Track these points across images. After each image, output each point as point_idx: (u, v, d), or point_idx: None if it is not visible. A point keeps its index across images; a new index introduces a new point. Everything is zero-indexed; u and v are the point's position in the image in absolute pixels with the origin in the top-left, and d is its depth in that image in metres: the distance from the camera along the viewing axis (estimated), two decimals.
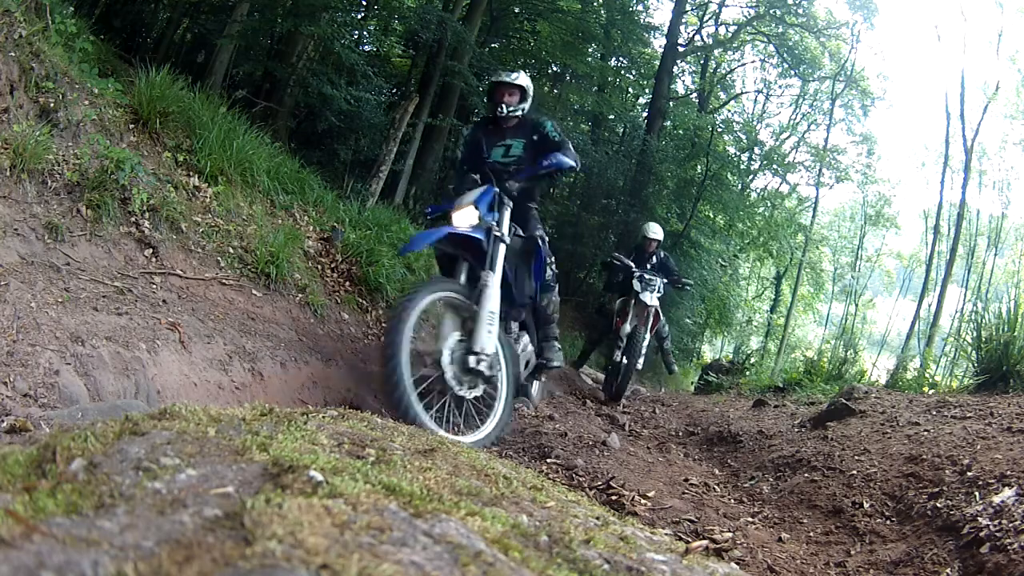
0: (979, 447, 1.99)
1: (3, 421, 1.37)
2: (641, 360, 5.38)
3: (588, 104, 12.33)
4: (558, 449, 2.56)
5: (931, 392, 3.85)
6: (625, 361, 5.07)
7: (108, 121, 3.08)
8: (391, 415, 2.03)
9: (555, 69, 12.50)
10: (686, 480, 2.52)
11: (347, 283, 4.07)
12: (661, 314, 5.81)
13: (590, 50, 12.28)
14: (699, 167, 12.74)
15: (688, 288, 5.96)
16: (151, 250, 2.81)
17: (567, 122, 11.80)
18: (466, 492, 0.80)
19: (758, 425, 3.58)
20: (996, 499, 1.57)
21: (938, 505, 1.72)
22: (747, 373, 8.14)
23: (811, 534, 1.88)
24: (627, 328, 5.30)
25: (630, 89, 14.61)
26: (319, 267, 3.98)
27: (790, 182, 16.85)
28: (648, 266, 5.67)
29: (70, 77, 2.93)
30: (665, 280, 5.50)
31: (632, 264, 5.52)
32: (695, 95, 15.19)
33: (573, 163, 3.12)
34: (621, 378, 5.05)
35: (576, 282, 11.79)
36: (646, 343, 5.26)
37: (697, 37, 14.72)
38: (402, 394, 2.22)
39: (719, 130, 13.34)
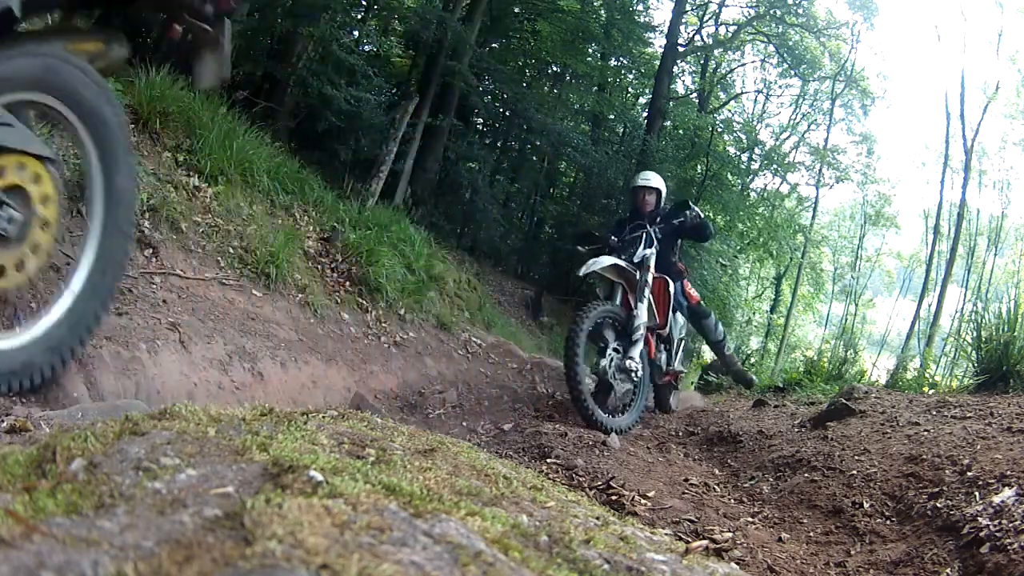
0: (979, 447, 1.99)
1: (3, 421, 1.37)
2: (638, 373, 3.41)
3: (588, 104, 12.33)
4: (558, 449, 2.55)
5: (931, 392, 3.85)
6: (609, 368, 3.34)
7: None
8: None
9: (555, 69, 12.49)
10: (686, 480, 2.52)
11: (347, 283, 4.07)
12: (685, 290, 4.11)
13: (590, 50, 12.28)
14: (699, 167, 12.75)
15: (698, 219, 3.90)
16: (151, 250, 2.81)
17: (567, 122, 11.81)
18: (466, 492, 0.80)
19: (758, 425, 3.57)
20: (996, 499, 1.57)
21: (938, 505, 1.72)
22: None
23: (811, 534, 1.88)
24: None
25: (630, 89, 14.62)
26: (319, 267, 3.98)
27: (790, 182, 16.88)
28: (654, 229, 3.83)
29: None
30: (660, 235, 3.78)
31: (582, 247, 4.03)
32: (695, 95, 15.19)
33: None
34: (590, 399, 3.16)
35: (576, 282, 11.79)
36: (641, 331, 3.44)
37: (697, 37, 14.73)
38: None
39: (719, 130, 13.34)
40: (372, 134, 8.44)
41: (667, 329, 3.97)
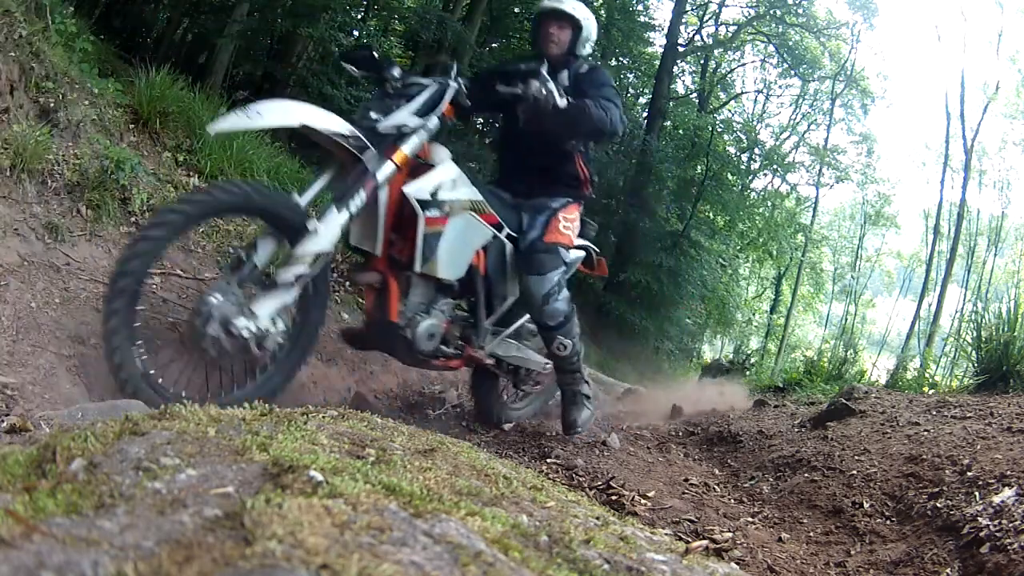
0: (979, 447, 1.99)
1: (3, 421, 1.37)
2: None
3: None
4: (558, 449, 2.55)
5: (931, 392, 3.85)
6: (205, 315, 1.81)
7: (108, 121, 3.08)
8: None
9: None
10: (686, 480, 2.51)
11: (347, 283, 4.07)
12: (550, 224, 2.46)
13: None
14: (699, 167, 12.75)
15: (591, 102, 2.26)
16: None
17: None
18: (466, 492, 0.80)
19: (758, 425, 3.57)
20: (996, 499, 1.57)
21: (938, 505, 1.72)
22: (747, 373, 8.14)
23: (811, 534, 1.88)
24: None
25: (630, 89, 14.61)
26: None
27: (790, 182, 16.89)
28: (459, 82, 2.21)
29: (70, 77, 2.93)
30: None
31: (349, 66, 2.23)
32: (695, 95, 15.20)
33: None
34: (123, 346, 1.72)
35: (575, 280, 11.77)
36: (298, 268, 1.87)
37: (697, 37, 14.74)
38: None
39: (719, 130, 13.35)
40: None
41: (428, 268, 2.14)
